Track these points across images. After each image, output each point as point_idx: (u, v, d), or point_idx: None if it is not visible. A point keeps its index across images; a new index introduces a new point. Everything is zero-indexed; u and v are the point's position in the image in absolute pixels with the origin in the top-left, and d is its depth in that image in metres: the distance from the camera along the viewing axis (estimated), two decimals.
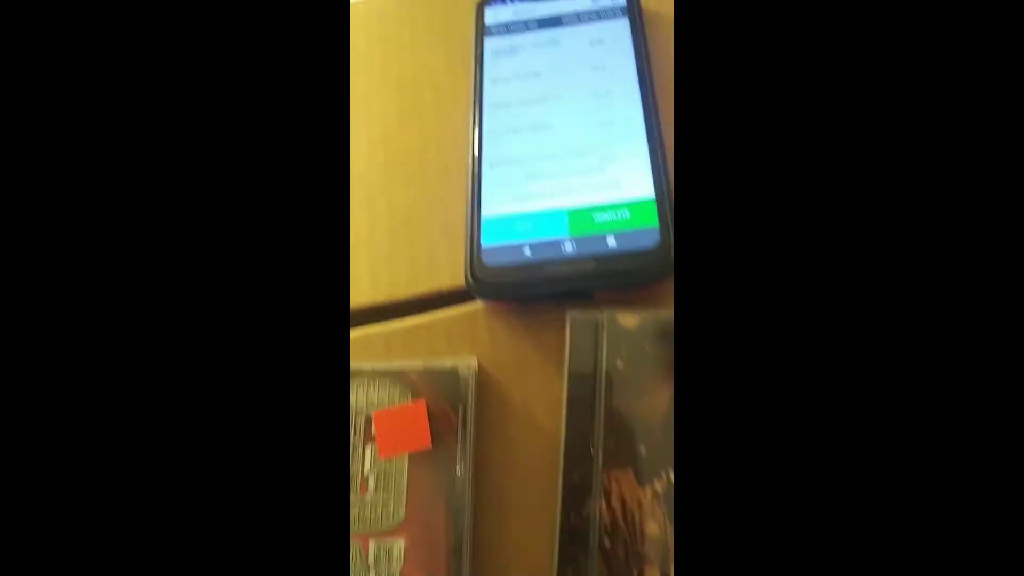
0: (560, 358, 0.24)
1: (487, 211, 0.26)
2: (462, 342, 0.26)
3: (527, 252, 0.25)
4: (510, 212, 0.25)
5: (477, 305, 0.26)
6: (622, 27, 0.29)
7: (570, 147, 0.26)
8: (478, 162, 0.27)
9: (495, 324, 0.26)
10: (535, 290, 0.24)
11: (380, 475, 0.23)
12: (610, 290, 0.24)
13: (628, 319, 0.24)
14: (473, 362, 0.25)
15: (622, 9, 0.29)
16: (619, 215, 0.25)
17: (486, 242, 0.25)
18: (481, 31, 0.30)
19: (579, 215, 0.25)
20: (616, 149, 0.26)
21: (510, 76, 0.28)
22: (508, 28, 0.30)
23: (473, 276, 0.24)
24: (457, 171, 0.28)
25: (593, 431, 0.23)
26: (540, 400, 0.24)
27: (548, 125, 0.27)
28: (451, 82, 0.30)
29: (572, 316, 0.24)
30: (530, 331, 0.25)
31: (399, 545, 0.23)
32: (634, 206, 0.25)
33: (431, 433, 0.23)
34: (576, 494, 0.23)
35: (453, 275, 0.26)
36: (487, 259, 0.25)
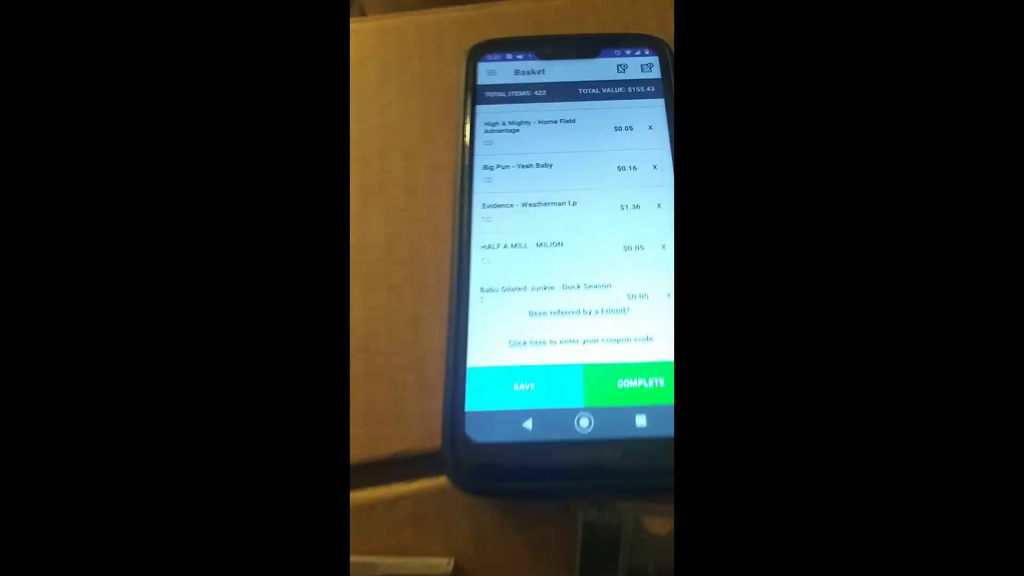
0: (566, 561, 0.18)
1: (475, 359, 0.19)
2: (434, 530, 0.19)
3: (528, 427, 0.18)
4: (505, 363, 0.19)
5: None
6: (657, 111, 0.22)
7: (587, 276, 0.20)
8: (464, 285, 0.20)
9: (479, 509, 0.19)
10: (540, 486, 0.18)
11: None
12: (635, 496, 0.18)
13: (657, 524, 0.18)
14: (448, 565, 0.19)
15: (656, 85, 0.23)
16: (651, 382, 0.19)
17: (472, 405, 0.19)
18: (471, 92, 0.23)
19: (598, 376, 0.19)
20: (646, 285, 0.20)
21: (509, 163, 0.22)
22: (508, 93, 0.23)
23: (454, 458, 0.18)
24: (435, 292, 0.21)
25: None
26: None
27: (559, 241, 0.21)
28: (428, 159, 0.24)
29: (585, 515, 0.18)
30: (526, 523, 0.19)
31: None
32: (670, 370, 0.19)
33: None
34: None
35: (425, 433, 0.20)
36: (474, 432, 0.18)
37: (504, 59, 0.24)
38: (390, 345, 0.21)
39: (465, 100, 0.23)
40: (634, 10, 0.26)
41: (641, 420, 0.18)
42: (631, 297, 0.20)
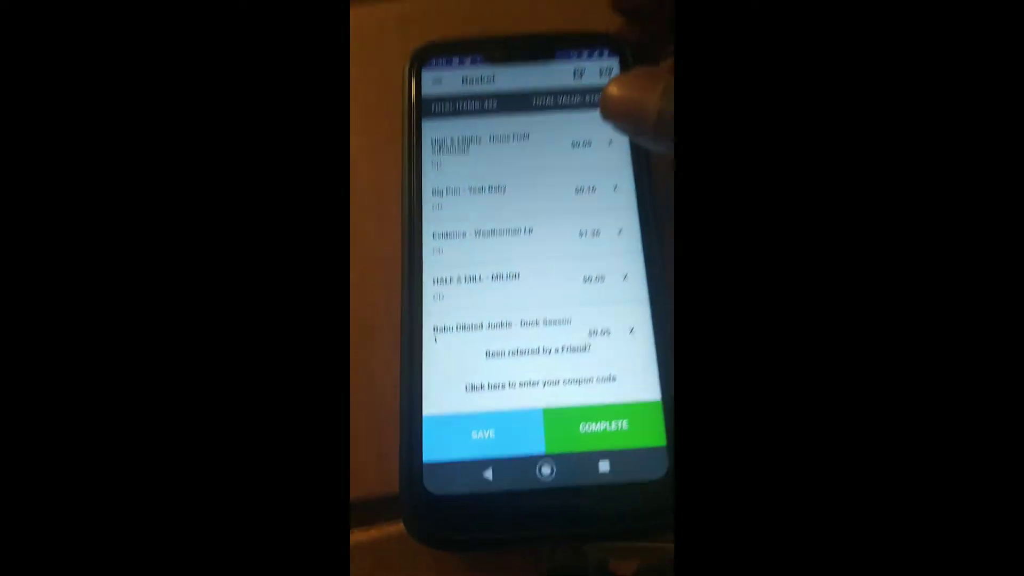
0: None
1: (431, 406, 0.18)
2: None
3: (488, 476, 0.18)
4: (463, 410, 0.18)
5: None
6: None
7: (546, 310, 0.19)
8: (416, 324, 0.19)
9: (442, 556, 0.19)
10: (503, 536, 0.18)
11: None
12: (600, 539, 0.18)
13: (624, 566, 0.18)
14: None
15: None
16: (614, 425, 0.18)
17: (430, 456, 0.18)
18: (416, 105, 0.21)
19: (559, 420, 0.18)
20: (608, 320, 0.19)
21: (460, 186, 0.20)
22: (456, 105, 0.21)
23: (413, 511, 0.17)
24: (385, 331, 0.20)
25: None
26: None
27: (515, 273, 0.19)
28: (369, 181, 0.22)
29: (550, 560, 0.18)
30: (491, 568, 0.19)
31: None
32: (634, 411, 0.18)
33: None
34: None
35: (382, 477, 0.19)
36: (432, 485, 0.17)
37: (450, 65, 0.22)
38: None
39: (409, 114, 0.21)
40: None
41: (604, 465, 0.18)
42: (592, 333, 0.19)
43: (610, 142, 0.21)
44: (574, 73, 0.22)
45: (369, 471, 0.19)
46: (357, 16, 0.24)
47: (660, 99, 0.15)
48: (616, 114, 0.16)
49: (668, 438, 0.18)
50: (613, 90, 0.16)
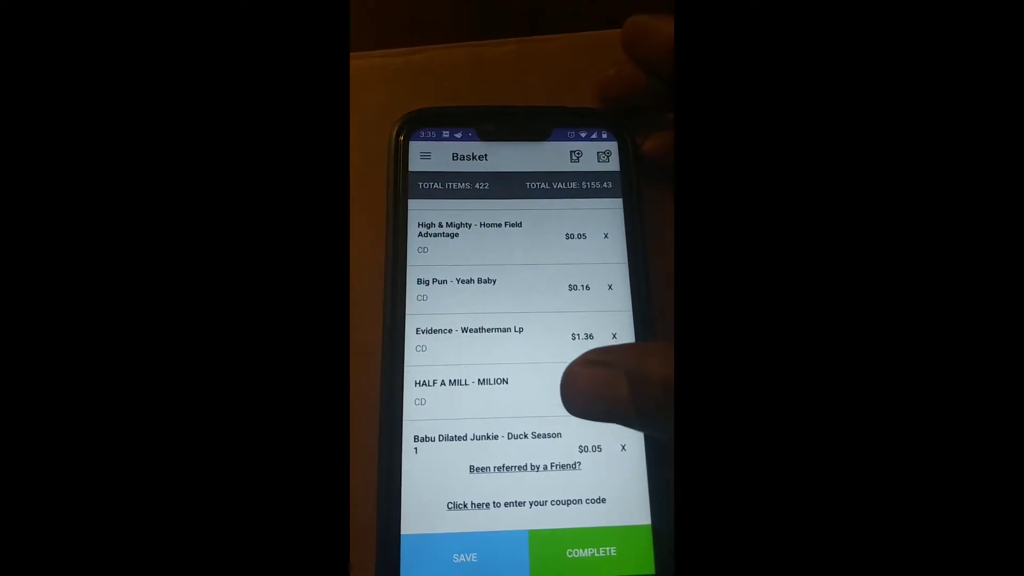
0: None
1: (410, 524, 0.17)
2: None
3: None
4: (444, 529, 0.17)
5: None
6: (614, 215, 0.20)
7: (535, 423, 0.18)
8: (396, 432, 0.18)
9: None
10: None
11: None
12: None
13: None
14: None
15: (614, 180, 0.20)
16: (602, 551, 0.17)
17: None
18: (402, 181, 0.20)
19: (545, 544, 0.17)
20: (600, 434, 0.18)
21: (447, 277, 0.19)
22: (445, 185, 0.20)
23: None
24: (362, 434, 0.18)
25: None
26: None
27: (503, 378, 0.18)
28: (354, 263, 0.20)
29: None
30: None
31: None
32: (624, 536, 0.17)
33: None
34: None
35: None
36: None
37: (440, 138, 0.20)
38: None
39: (395, 191, 0.20)
40: (587, 60, 0.23)
41: None
42: (583, 449, 0.18)
43: (605, 235, 0.20)
44: (571, 155, 0.20)
45: None
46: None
47: (628, 390, 0.13)
48: (582, 410, 0.14)
49: (657, 566, 0.17)
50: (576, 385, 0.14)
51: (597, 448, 0.18)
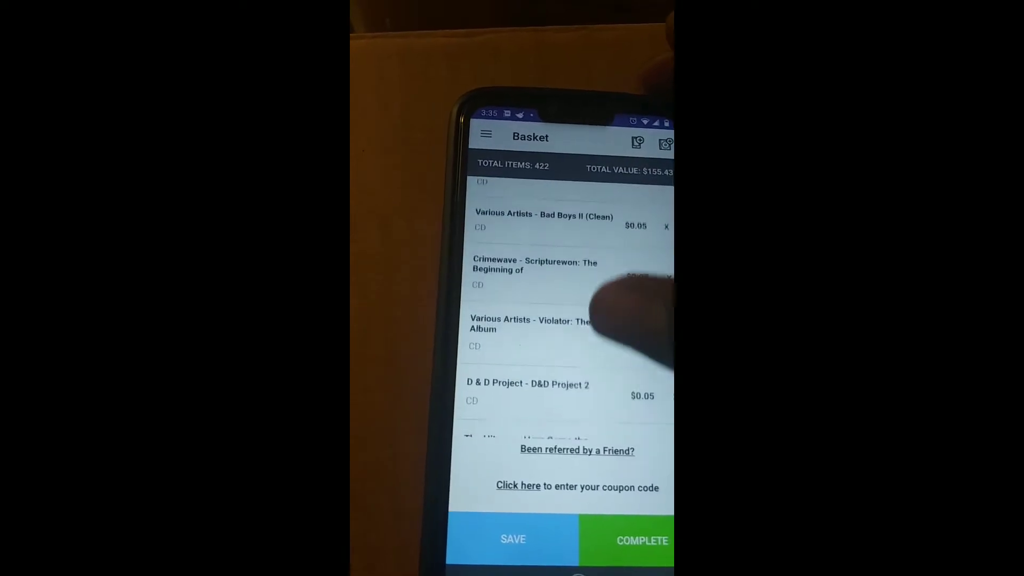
0: None
1: (458, 502, 0.17)
2: None
3: None
4: (493, 509, 0.17)
5: None
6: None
7: (588, 411, 0.18)
8: (447, 418, 0.17)
9: None
10: None
11: None
12: None
13: None
14: None
15: (671, 167, 0.20)
16: (653, 540, 0.17)
17: (454, 558, 0.16)
18: (461, 159, 0.20)
19: (596, 528, 0.17)
20: (656, 432, 0.18)
21: (503, 266, 0.19)
22: (504, 164, 0.20)
23: None
24: (413, 401, 0.18)
25: None
26: None
27: (563, 382, 0.18)
28: (409, 231, 0.20)
29: None
30: None
31: None
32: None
33: None
34: None
35: (402, 570, 0.18)
36: None
37: (502, 116, 0.20)
38: (363, 466, 0.18)
39: (454, 168, 0.19)
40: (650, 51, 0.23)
41: None
42: (638, 440, 0.18)
43: (666, 226, 0.19)
44: (632, 141, 0.20)
45: (385, 564, 0.18)
46: (402, 46, 0.22)
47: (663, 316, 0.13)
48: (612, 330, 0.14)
49: None
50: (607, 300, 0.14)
51: (651, 435, 0.18)
